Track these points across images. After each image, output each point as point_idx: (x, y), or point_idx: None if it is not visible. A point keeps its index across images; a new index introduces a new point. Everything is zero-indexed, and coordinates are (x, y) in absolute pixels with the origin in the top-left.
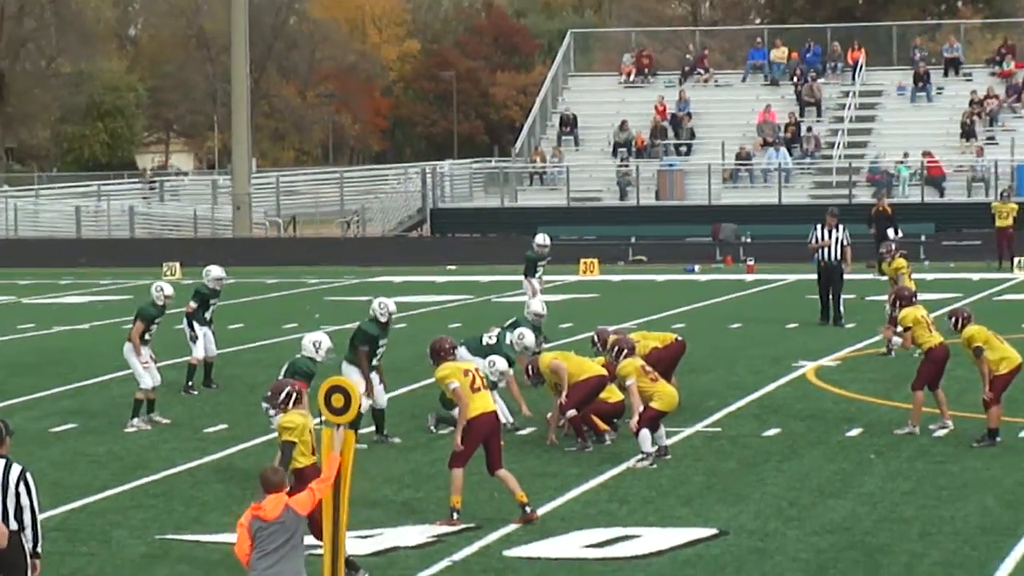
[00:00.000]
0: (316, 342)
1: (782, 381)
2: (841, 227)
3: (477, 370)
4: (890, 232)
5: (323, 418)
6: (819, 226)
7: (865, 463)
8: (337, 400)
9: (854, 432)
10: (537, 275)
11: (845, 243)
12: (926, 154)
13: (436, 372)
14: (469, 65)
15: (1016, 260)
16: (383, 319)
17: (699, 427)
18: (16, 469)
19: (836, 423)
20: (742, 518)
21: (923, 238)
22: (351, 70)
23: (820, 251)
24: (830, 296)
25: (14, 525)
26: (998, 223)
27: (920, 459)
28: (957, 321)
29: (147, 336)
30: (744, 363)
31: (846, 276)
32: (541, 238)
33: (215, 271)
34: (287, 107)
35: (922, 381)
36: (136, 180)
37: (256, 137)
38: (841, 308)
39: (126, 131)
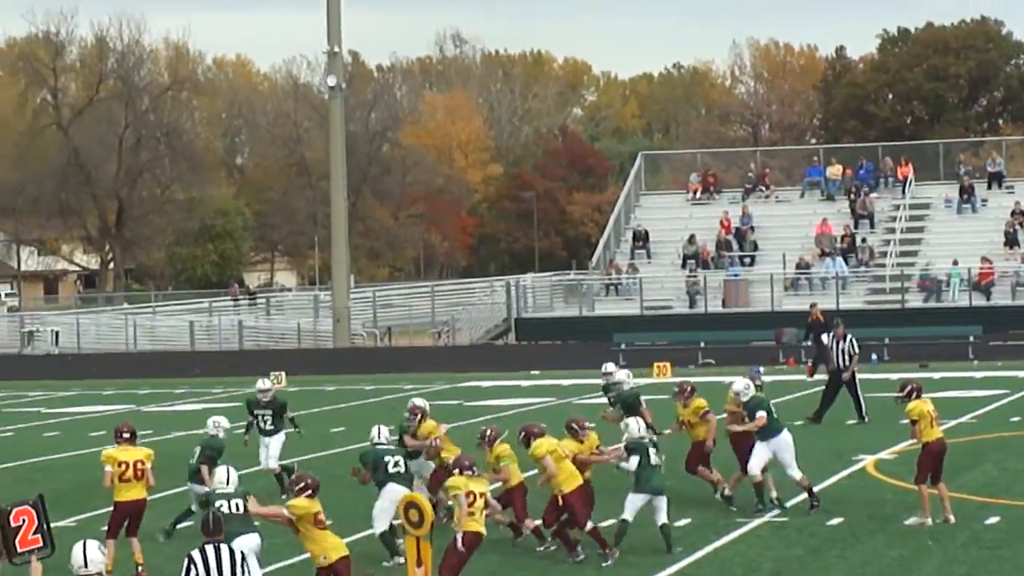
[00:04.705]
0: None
1: (844, 474)
2: (847, 337)
3: None
4: (824, 338)
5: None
6: (830, 336)
7: (923, 549)
8: (413, 515)
9: (912, 520)
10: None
11: (851, 352)
12: (985, 260)
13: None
14: (548, 186)
15: None
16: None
17: (768, 517)
18: (237, 551)
19: (895, 512)
20: None
21: (972, 339)
22: (439, 192)
23: (830, 359)
24: (847, 396)
25: None
26: None
27: (974, 545)
28: (911, 392)
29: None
30: (808, 457)
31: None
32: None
33: (259, 382)
34: (381, 227)
35: (924, 474)
36: (238, 297)
37: (353, 255)
38: (863, 406)
39: (234, 252)
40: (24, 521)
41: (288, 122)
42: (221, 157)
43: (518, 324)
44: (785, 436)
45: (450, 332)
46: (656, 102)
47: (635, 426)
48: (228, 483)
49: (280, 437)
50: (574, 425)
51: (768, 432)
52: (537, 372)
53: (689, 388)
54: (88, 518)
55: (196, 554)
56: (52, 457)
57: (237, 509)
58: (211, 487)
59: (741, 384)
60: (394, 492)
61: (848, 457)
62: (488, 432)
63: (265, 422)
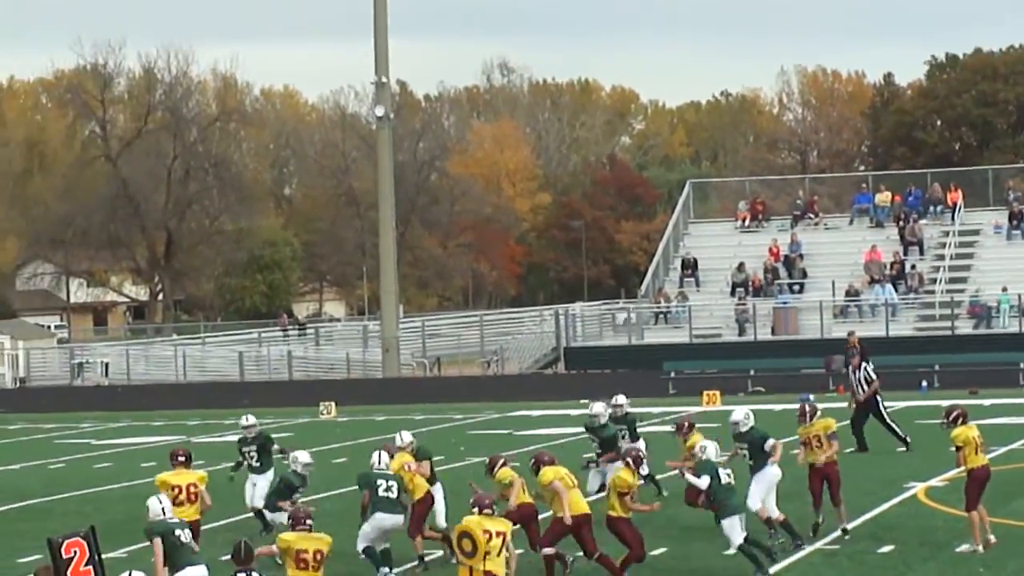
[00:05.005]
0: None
1: (895, 501)
2: (863, 365)
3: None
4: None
5: None
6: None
7: None
8: (466, 545)
9: (963, 547)
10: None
11: (867, 379)
12: None
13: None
14: (596, 215)
15: None
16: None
17: (819, 545)
18: None
19: (946, 539)
20: None
21: (1022, 365)
22: (488, 222)
23: (852, 389)
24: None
25: None
26: None
27: None
28: (956, 418)
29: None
30: (858, 485)
31: (884, 403)
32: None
33: (302, 456)
34: (430, 257)
35: (973, 502)
36: (288, 327)
37: (402, 285)
38: (899, 431)
39: (283, 282)
40: (75, 553)
41: (336, 152)
42: (269, 188)
43: (567, 353)
44: (770, 470)
45: (499, 361)
46: (704, 130)
47: (712, 450)
48: (164, 513)
49: (268, 475)
50: (629, 460)
51: (757, 467)
52: (586, 401)
53: (687, 424)
54: (139, 549)
55: None
56: (103, 488)
57: (189, 540)
58: (153, 519)
59: (740, 414)
60: (379, 520)
61: (899, 484)
62: (489, 460)
63: (252, 458)
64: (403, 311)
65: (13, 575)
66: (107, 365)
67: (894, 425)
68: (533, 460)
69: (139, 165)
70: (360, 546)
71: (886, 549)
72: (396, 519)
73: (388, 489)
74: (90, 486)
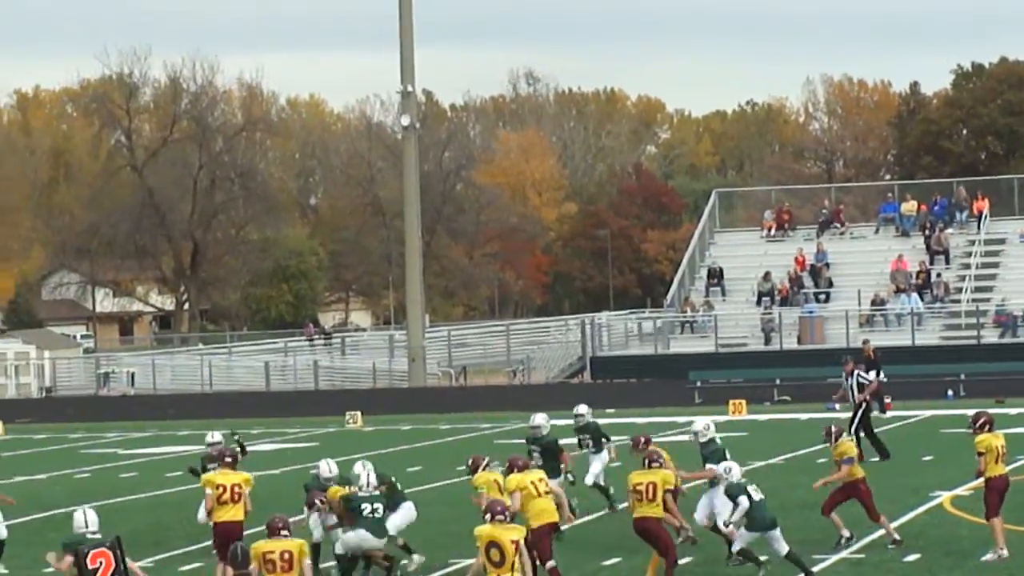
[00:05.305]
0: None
1: (920, 510)
2: (855, 372)
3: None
4: (871, 375)
5: None
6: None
7: None
8: (495, 555)
9: (988, 556)
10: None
11: (860, 382)
12: None
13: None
14: (622, 224)
15: None
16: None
17: (844, 554)
18: None
19: (972, 548)
20: None
21: None
22: (514, 231)
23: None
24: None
25: None
26: None
27: None
28: (983, 424)
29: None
30: (884, 493)
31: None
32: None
33: (208, 436)
34: (456, 266)
35: (993, 510)
36: (314, 337)
37: (428, 294)
38: (860, 439)
39: (309, 292)
40: (101, 563)
41: (362, 162)
42: (295, 197)
43: (593, 362)
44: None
45: (525, 371)
46: (730, 139)
47: (737, 471)
48: (88, 526)
49: None
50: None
51: (714, 480)
52: (612, 411)
53: (643, 440)
54: (165, 558)
55: None
56: (129, 498)
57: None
58: (74, 531)
59: (701, 424)
60: (363, 537)
61: (924, 493)
62: (471, 461)
63: None
64: (429, 320)
65: None
66: (133, 375)
67: (869, 437)
68: (508, 463)
69: (165, 175)
70: (339, 550)
71: (912, 558)
72: (378, 543)
73: (373, 511)
74: (116, 495)
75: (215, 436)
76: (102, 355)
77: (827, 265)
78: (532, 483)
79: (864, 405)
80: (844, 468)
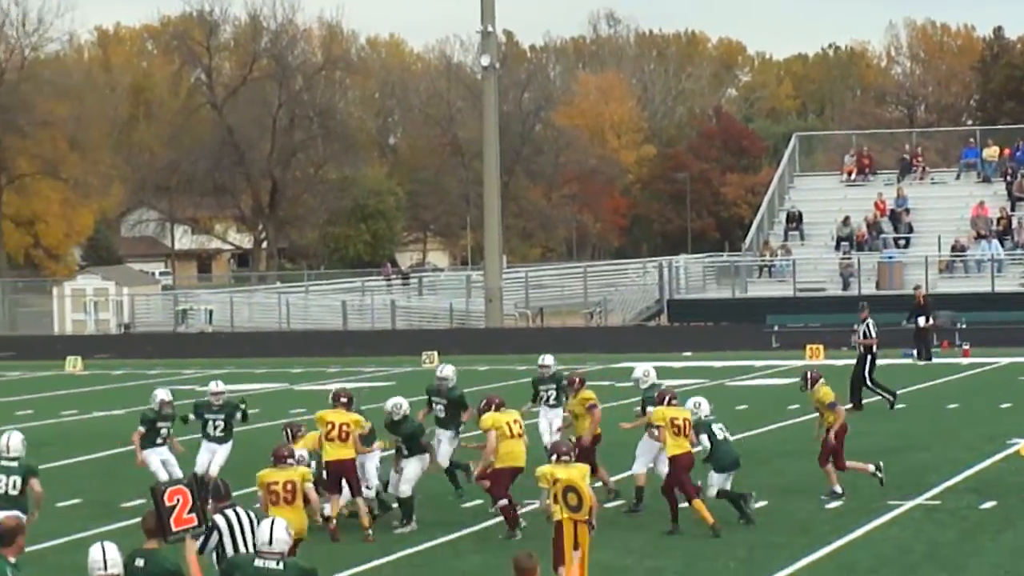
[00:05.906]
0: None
1: (997, 457)
2: (866, 320)
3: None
4: (920, 320)
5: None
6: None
7: None
8: (572, 499)
9: None
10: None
11: (866, 332)
12: None
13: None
14: (701, 167)
15: None
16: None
17: (920, 500)
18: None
19: None
20: None
21: None
22: (592, 173)
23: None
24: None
25: None
26: None
27: None
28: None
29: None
30: (961, 440)
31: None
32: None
33: (212, 384)
34: (534, 208)
35: None
36: (391, 276)
37: (506, 235)
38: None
39: (387, 231)
40: (179, 501)
41: (441, 102)
42: (374, 137)
43: (670, 305)
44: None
45: (602, 313)
46: (811, 83)
47: (706, 406)
48: (9, 451)
49: (228, 446)
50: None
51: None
52: (689, 353)
53: (578, 380)
54: (243, 495)
55: (219, 519)
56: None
57: (14, 488)
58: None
59: (640, 370)
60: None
61: (1002, 440)
62: (485, 400)
63: (216, 428)
64: (506, 262)
65: (116, 519)
66: (211, 312)
67: (875, 387)
68: (484, 401)
69: (244, 113)
70: (406, 492)
71: (988, 505)
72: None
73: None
74: (192, 433)
75: (219, 385)
76: (180, 292)
77: (907, 210)
78: (507, 423)
79: (869, 354)
80: (839, 410)
